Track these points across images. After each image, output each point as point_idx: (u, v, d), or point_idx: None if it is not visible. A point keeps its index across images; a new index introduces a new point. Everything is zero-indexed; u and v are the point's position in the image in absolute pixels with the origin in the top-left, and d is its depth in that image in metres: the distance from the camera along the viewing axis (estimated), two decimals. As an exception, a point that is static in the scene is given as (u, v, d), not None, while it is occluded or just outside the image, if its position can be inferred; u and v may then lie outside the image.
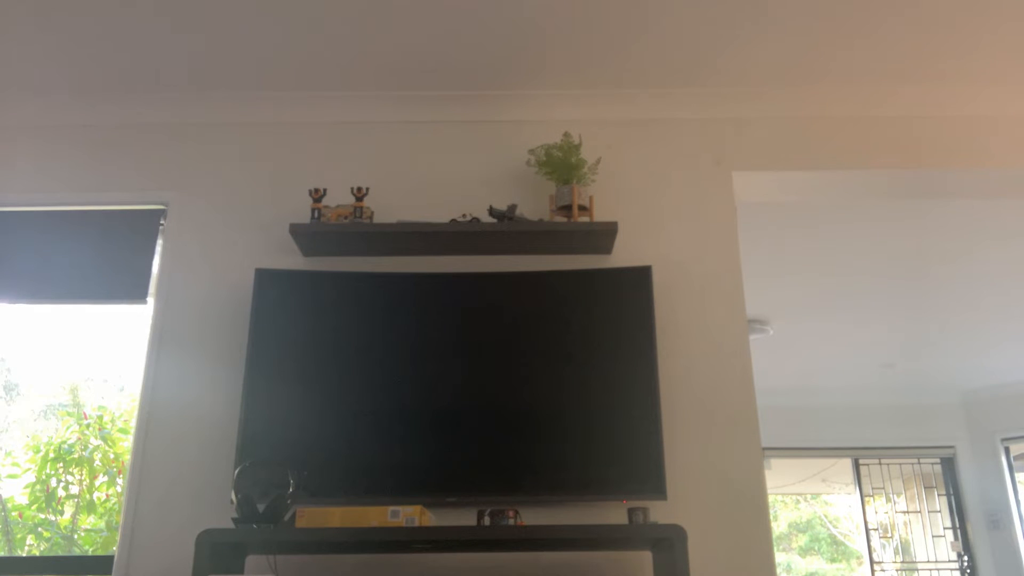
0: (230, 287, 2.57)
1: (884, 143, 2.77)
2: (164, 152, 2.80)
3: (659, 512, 2.16)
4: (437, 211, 2.60)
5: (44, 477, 4.20)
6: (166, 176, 2.77)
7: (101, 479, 4.30)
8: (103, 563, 2.48)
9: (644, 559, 2.23)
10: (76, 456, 4.27)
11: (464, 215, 2.56)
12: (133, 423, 2.52)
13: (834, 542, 11.70)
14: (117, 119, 2.83)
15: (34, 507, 4.20)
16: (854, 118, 2.79)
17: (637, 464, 2.26)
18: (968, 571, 6.26)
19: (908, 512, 6.87)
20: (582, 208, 2.53)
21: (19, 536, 4.23)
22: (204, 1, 2.36)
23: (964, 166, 2.76)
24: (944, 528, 6.55)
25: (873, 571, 6.64)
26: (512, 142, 2.74)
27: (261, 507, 1.99)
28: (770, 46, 2.58)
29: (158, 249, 2.71)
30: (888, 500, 6.90)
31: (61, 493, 4.23)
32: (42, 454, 4.23)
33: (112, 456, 4.28)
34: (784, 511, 11.86)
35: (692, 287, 2.56)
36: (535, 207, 2.63)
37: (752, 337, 2.87)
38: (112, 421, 4.38)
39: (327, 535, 1.99)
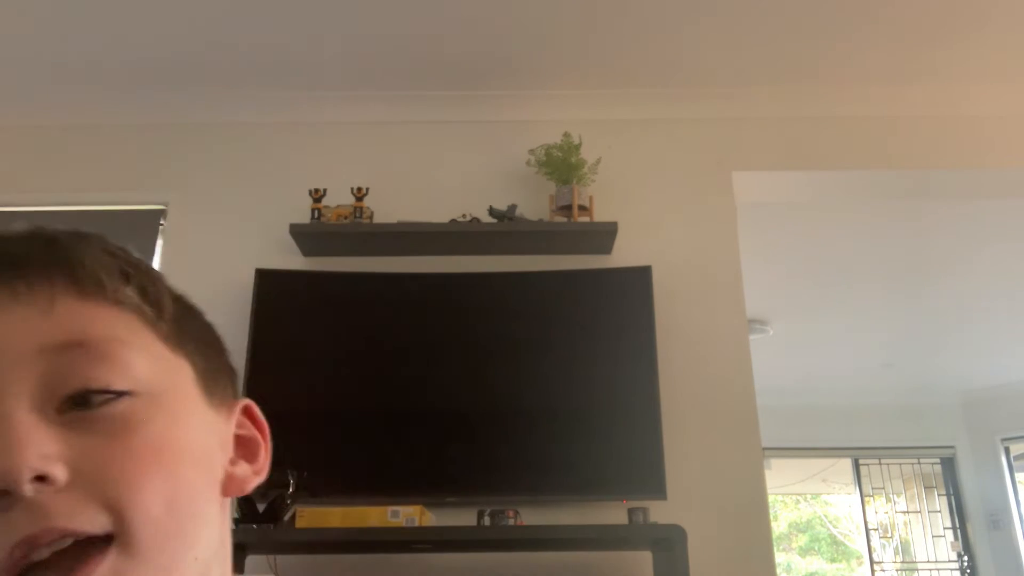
0: (230, 287, 2.57)
1: (884, 143, 2.77)
2: (164, 152, 2.80)
3: (659, 512, 2.16)
4: (437, 211, 2.60)
5: (44, 477, 4.19)
6: (166, 176, 2.77)
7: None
8: (103, 563, 2.48)
9: (644, 559, 2.23)
10: (76, 456, 4.27)
11: (464, 215, 2.56)
12: (133, 423, 2.52)
13: (834, 542, 11.70)
14: (117, 119, 2.82)
15: (34, 507, 4.20)
16: (854, 118, 2.79)
17: (637, 464, 2.26)
18: (968, 571, 6.26)
19: (908, 512, 6.87)
20: (582, 208, 2.53)
21: (19, 536, 4.23)
22: (204, 1, 2.36)
23: (964, 166, 2.76)
24: (944, 528, 6.55)
25: (873, 571, 6.64)
26: (512, 142, 2.73)
27: (261, 507, 1.99)
28: (770, 46, 2.57)
29: (158, 249, 2.71)
30: (888, 500, 6.90)
31: (61, 493, 4.22)
32: (42, 454, 4.22)
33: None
34: (784, 511, 11.86)
35: (692, 287, 2.56)
36: (535, 207, 2.63)
37: (752, 337, 2.87)
38: (112, 421, 4.37)
39: (327, 535, 1.99)
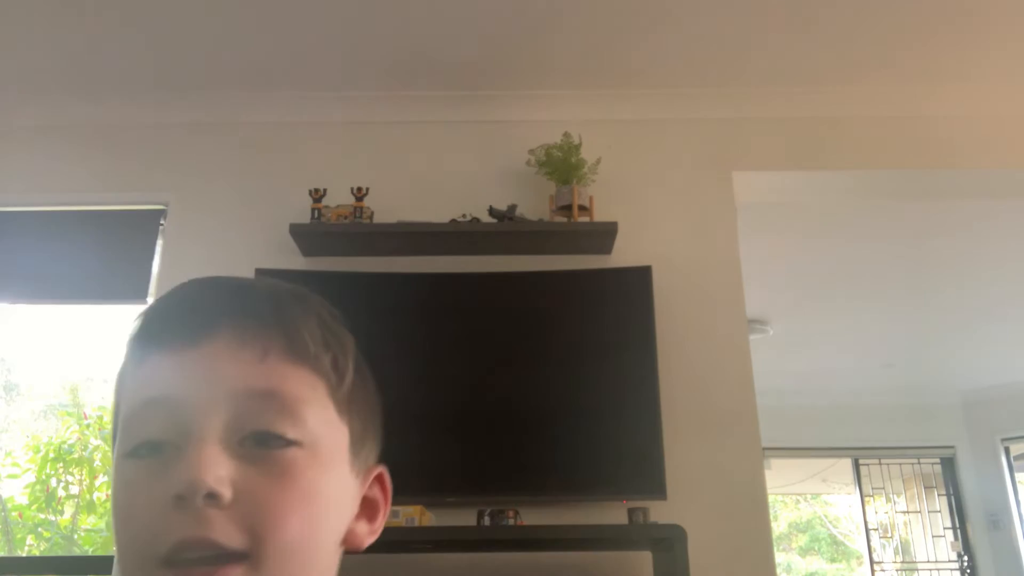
0: (230, 287, 2.56)
1: (884, 143, 2.77)
2: (164, 152, 2.80)
3: (659, 512, 2.16)
4: (437, 211, 2.60)
5: (44, 477, 4.20)
6: (166, 176, 2.77)
7: (101, 479, 4.30)
8: (103, 563, 2.48)
9: (644, 559, 2.23)
10: (76, 456, 4.28)
11: (464, 215, 2.56)
12: (133, 423, 2.52)
13: (834, 542, 11.70)
14: (117, 119, 2.82)
15: (34, 507, 4.21)
16: (854, 118, 2.79)
17: (637, 464, 2.26)
18: (968, 571, 6.26)
19: (908, 512, 6.87)
20: (582, 208, 2.53)
21: (19, 536, 4.24)
22: (204, 1, 2.36)
23: (964, 166, 2.76)
24: (944, 528, 6.55)
25: (873, 571, 6.64)
26: (512, 142, 2.73)
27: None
28: (770, 46, 2.57)
29: (158, 249, 2.71)
30: (888, 500, 6.90)
31: (61, 493, 4.23)
32: (42, 454, 4.23)
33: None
34: (784, 511, 11.86)
35: (692, 287, 2.56)
36: (535, 207, 2.63)
37: (752, 337, 2.87)
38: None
39: (327, 535, 1.99)
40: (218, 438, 0.50)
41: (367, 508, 0.60)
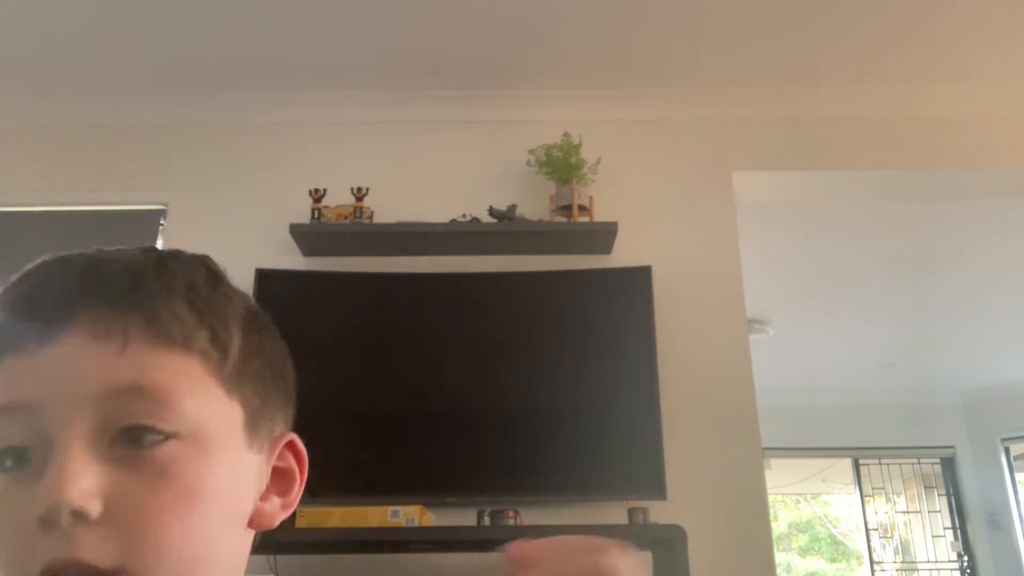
0: (230, 287, 2.56)
1: (884, 143, 2.77)
2: (164, 152, 2.80)
3: (659, 512, 2.16)
4: (437, 211, 2.60)
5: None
6: (166, 176, 2.77)
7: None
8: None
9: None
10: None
11: (464, 215, 2.56)
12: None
13: (834, 542, 11.69)
14: (117, 119, 2.82)
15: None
16: (854, 118, 2.79)
17: (637, 464, 2.26)
18: (968, 571, 6.26)
19: (908, 512, 6.87)
20: (582, 208, 2.53)
21: (19, 536, 4.23)
22: (205, 1, 2.36)
23: (964, 166, 2.76)
24: (944, 528, 6.55)
25: (873, 571, 6.64)
26: (512, 142, 2.73)
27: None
28: (770, 46, 2.57)
29: (158, 249, 2.71)
30: (888, 500, 6.90)
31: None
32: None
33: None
34: (784, 511, 11.86)
35: (692, 287, 2.56)
36: (535, 207, 2.63)
37: (752, 337, 2.87)
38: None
39: (327, 535, 1.99)
40: (86, 443, 0.45)
41: (279, 480, 0.55)
